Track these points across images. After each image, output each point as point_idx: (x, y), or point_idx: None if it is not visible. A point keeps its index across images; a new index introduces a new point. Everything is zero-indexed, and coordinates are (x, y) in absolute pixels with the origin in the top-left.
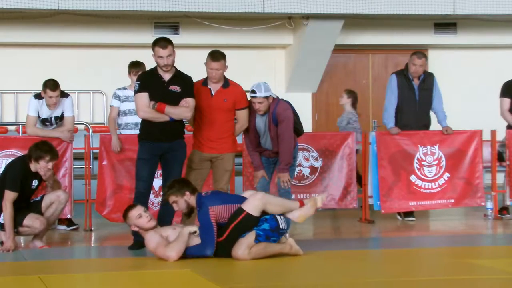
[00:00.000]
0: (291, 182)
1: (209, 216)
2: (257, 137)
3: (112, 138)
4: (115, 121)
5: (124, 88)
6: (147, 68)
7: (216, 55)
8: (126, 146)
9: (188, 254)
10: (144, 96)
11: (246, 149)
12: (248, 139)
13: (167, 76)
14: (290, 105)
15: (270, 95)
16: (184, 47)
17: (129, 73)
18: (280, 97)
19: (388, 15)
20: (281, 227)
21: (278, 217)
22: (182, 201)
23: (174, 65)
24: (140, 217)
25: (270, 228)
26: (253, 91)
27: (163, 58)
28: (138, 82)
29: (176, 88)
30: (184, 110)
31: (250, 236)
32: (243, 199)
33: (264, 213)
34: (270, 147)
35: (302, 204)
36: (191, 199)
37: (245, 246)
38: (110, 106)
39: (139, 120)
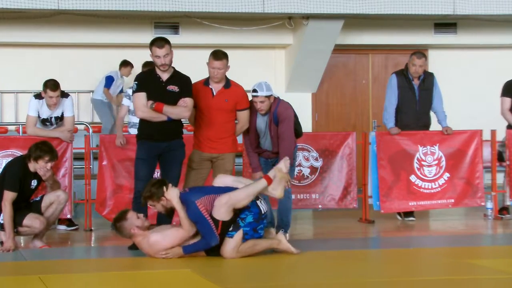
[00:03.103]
0: (291, 182)
1: (200, 211)
2: (257, 137)
3: (117, 133)
4: (123, 119)
5: None
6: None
7: (219, 54)
8: (126, 146)
9: (193, 250)
10: (142, 96)
11: (245, 149)
12: (248, 139)
13: (165, 76)
14: (290, 106)
15: (272, 95)
16: (184, 47)
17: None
18: (280, 98)
19: (388, 15)
20: (263, 211)
21: (257, 201)
22: (159, 206)
23: (174, 65)
24: (138, 217)
25: (254, 219)
26: (254, 90)
27: (160, 57)
28: (136, 82)
29: (174, 88)
30: (182, 109)
31: (238, 236)
32: (221, 190)
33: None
34: (269, 148)
35: (268, 178)
36: (168, 203)
37: (233, 245)
38: (122, 104)
39: None
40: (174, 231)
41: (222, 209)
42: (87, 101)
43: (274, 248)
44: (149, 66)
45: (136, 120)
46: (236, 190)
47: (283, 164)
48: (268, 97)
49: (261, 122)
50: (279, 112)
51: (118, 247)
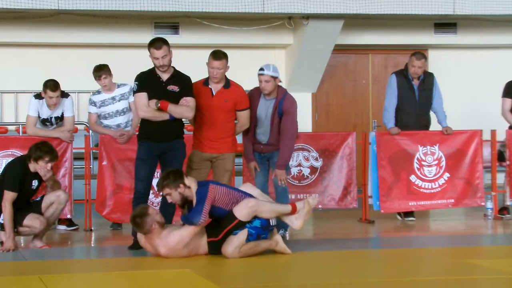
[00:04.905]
0: (288, 181)
1: (207, 193)
2: (254, 126)
3: (108, 134)
4: (95, 125)
5: (99, 92)
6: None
7: (218, 54)
8: (126, 146)
9: (183, 220)
10: (143, 96)
11: (242, 140)
12: (246, 135)
13: (165, 76)
14: (296, 102)
15: (278, 77)
16: (184, 47)
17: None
18: None
19: (388, 15)
20: (271, 224)
21: None
22: (176, 194)
23: (173, 65)
24: (157, 213)
25: (261, 226)
26: (261, 69)
27: (159, 59)
28: (137, 82)
29: (174, 88)
30: (186, 109)
31: (242, 235)
32: (242, 193)
33: None
34: (264, 139)
35: (294, 207)
36: (186, 191)
37: (235, 245)
38: (89, 113)
39: (120, 122)
40: (188, 228)
41: (246, 210)
42: (87, 101)
43: (272, 249)
44: (99, 71)
45: (107, 122)
46: (264, 201)
47: (313, 200)
48: (274, 78)
49: (263, 109)
50: (285, 103)
51: (118, 247)
